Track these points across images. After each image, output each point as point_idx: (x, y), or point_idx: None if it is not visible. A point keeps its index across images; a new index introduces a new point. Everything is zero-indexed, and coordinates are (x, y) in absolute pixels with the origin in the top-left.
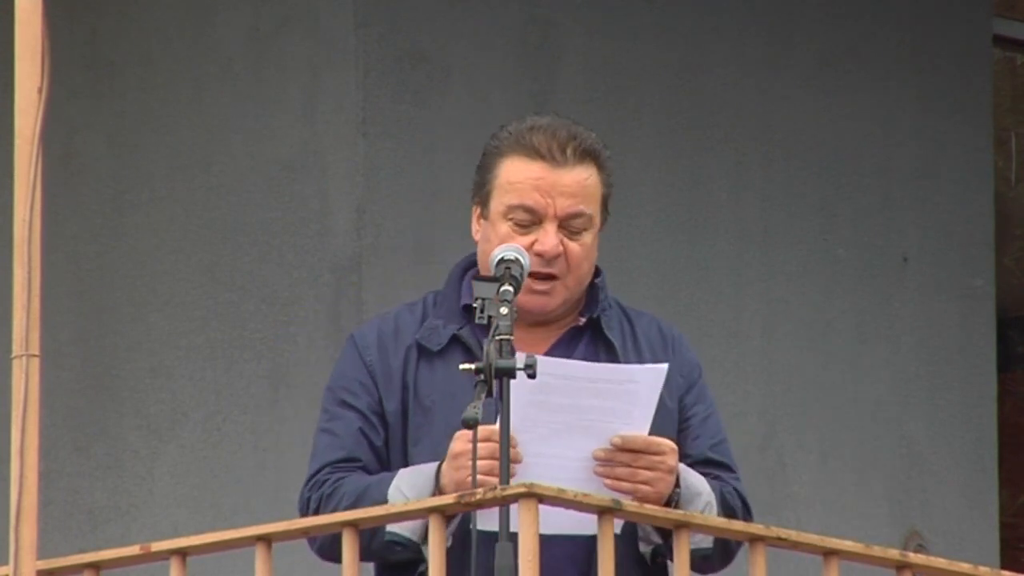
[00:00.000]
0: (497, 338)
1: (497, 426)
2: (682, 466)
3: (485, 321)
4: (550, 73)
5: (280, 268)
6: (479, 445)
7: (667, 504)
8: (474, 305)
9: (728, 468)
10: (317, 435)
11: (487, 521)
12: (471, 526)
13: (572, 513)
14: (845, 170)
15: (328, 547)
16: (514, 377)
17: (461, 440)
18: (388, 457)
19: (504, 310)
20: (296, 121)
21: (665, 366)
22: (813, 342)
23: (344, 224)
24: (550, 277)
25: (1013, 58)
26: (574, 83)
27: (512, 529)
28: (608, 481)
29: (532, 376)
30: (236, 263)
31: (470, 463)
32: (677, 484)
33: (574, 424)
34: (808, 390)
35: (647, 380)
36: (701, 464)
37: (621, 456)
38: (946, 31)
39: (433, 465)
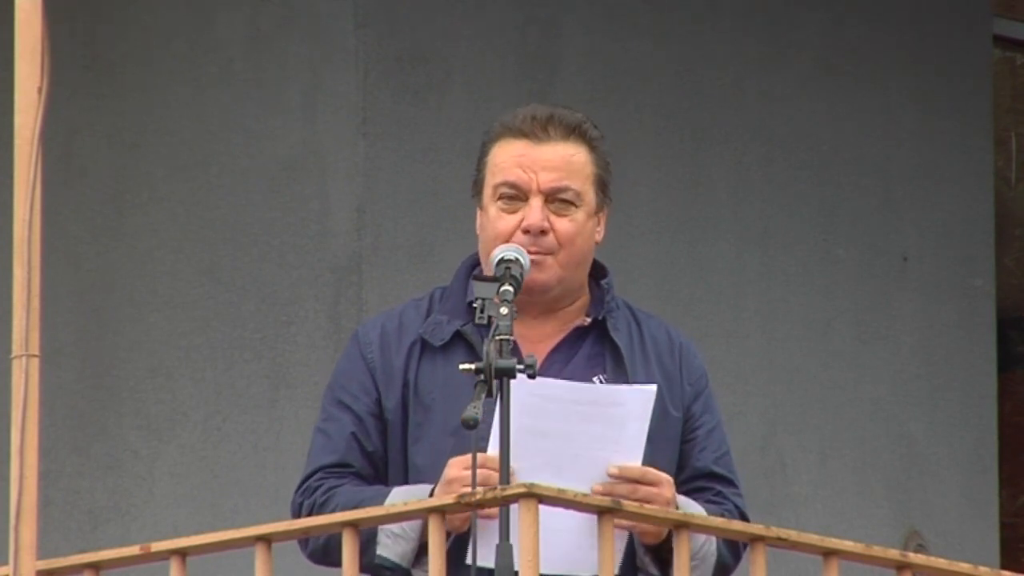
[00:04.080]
0: (497, 338)
1: (492, 453)
2: (682, 498)
3: (485, 321)
4: (550, 73)
5: (280, 268)
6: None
7: (668, 538)
8: (474, 305)
9: (731, 483)
10: (314, 433)
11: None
12: (470, 541)
13: (572, 554)
14: (845, 170)
15: (321, 553)
16: (514, 377)
17: (455, 467)
18: (387, 454)
19: (504, 310)
20: (296, 121)
21: (653, 388)
22: (813, 342)
23: (344, 224)
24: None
25: (1013, 58)
26: (574, 83)
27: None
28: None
29: (532, 376)
30: (236, 263)
31: (463, 490)
32: None
33: (564, 451)
34: (808, 390)
35: (635, 402)
36: (705, 477)
37: (619, 488)
38: (946, 31)
39: (427, 487)
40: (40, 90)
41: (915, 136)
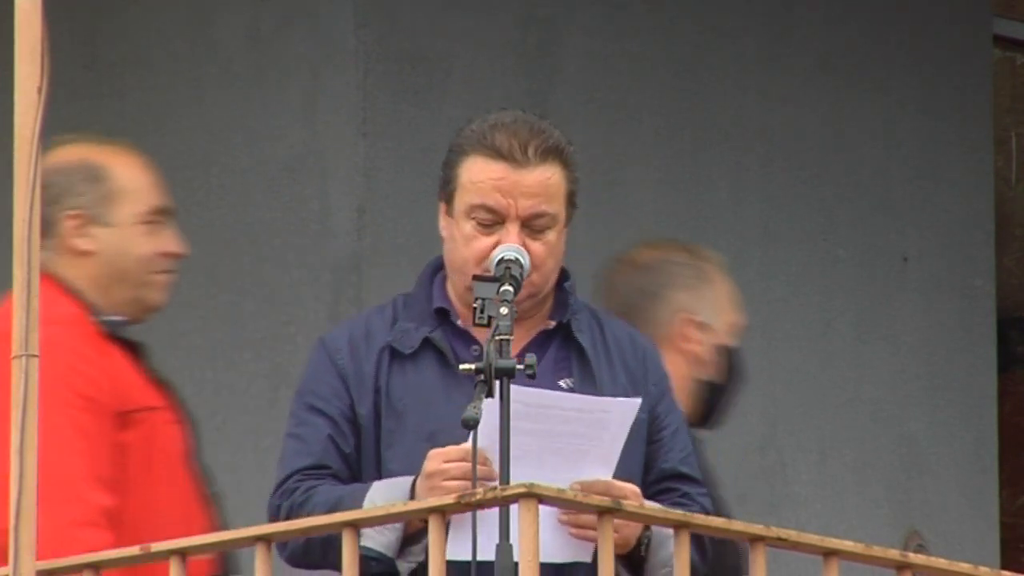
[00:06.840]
0: (497, 338)
1: (469, 444)
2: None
3: (485, 321)
4: (550, 73)
5: (280, 268)
6: (453, 464)
7: (637, 547)
8: (475, 305)
9: (697, 482)
10: (285, 440)
11: (458, 551)
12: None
13: (553, 542)
14: (845, 170)
15: (301, 554)
16: (514, 376)
17: (434, 460)
18: (360, 461)
19: (504, 310)
20: (296, 121)
21: (638, 401)
22: (813, 342)
23: (344, 224)
24: None
25: (1013, 58)
26: (574, 83)
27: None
28: (574, 530)
29: (532, 376)
30: (236, 263)
31: (443, 483)
32: (648, 527)
33: (545, 447)
34: (808, 390)
35: (619, 412)
36: (672, 478)
37: None
38: (946, 31)
39: (408, 479)
40: (40, 90)
41: (915, 136)
